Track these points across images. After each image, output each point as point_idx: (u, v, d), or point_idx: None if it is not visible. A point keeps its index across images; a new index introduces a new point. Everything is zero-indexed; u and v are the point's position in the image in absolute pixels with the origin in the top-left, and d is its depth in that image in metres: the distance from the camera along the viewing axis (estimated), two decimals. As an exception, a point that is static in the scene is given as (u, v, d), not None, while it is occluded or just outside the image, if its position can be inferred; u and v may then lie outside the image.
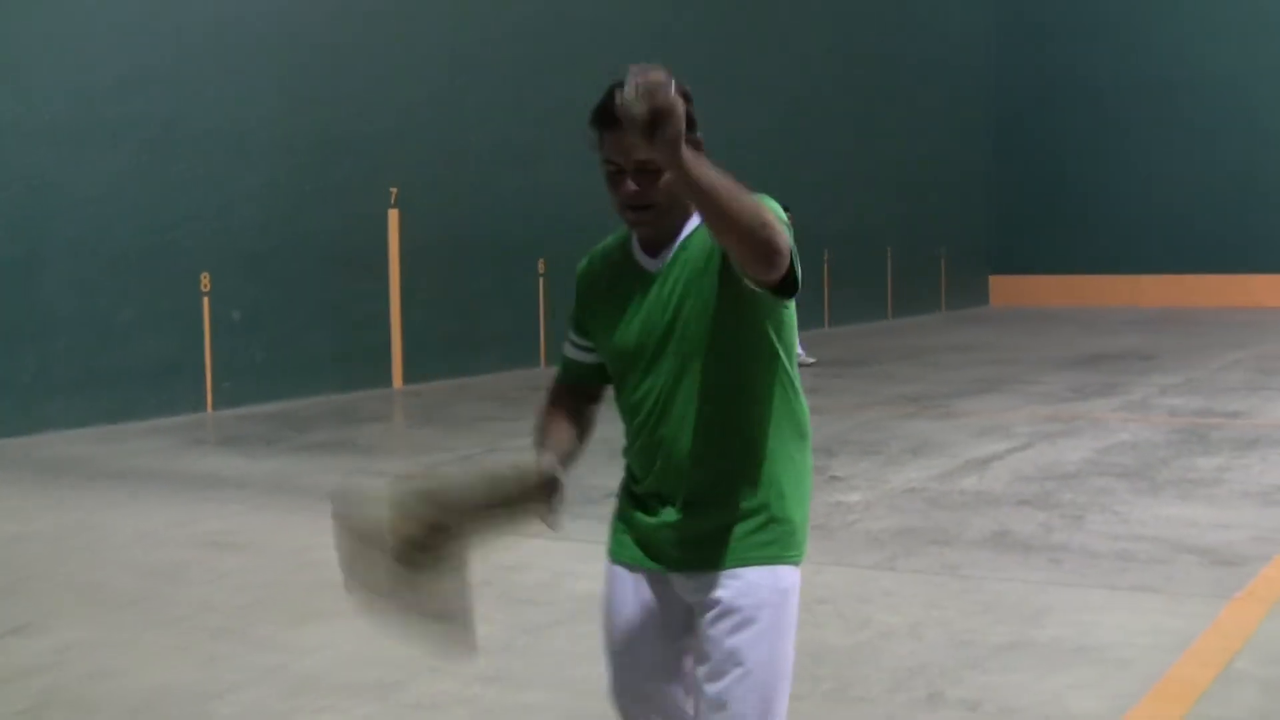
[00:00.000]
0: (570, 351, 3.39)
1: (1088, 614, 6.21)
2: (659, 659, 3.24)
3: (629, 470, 3.30)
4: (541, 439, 3.27)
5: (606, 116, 3.01)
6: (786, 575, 3.11)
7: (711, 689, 3.07)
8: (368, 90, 16.27)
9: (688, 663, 3.23)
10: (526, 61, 18.47)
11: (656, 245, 3.16)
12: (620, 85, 2.67)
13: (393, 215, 16.57)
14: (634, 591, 3.26)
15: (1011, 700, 5.10)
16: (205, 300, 14.38)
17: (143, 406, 13.67)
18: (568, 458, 3.23)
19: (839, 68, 26.03)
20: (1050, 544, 7.64)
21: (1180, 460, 10.32)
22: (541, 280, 18.70)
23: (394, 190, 16.54)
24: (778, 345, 3.11)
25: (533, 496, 3.04)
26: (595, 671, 5.48)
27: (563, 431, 3.29)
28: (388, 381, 16.51)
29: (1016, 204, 32.79)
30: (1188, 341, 21.24)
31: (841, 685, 5.21)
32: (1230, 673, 5.33)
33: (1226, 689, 5.16)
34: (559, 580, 7.04)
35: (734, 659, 3.05)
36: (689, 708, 3.24)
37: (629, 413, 3.22)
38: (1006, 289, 32.87)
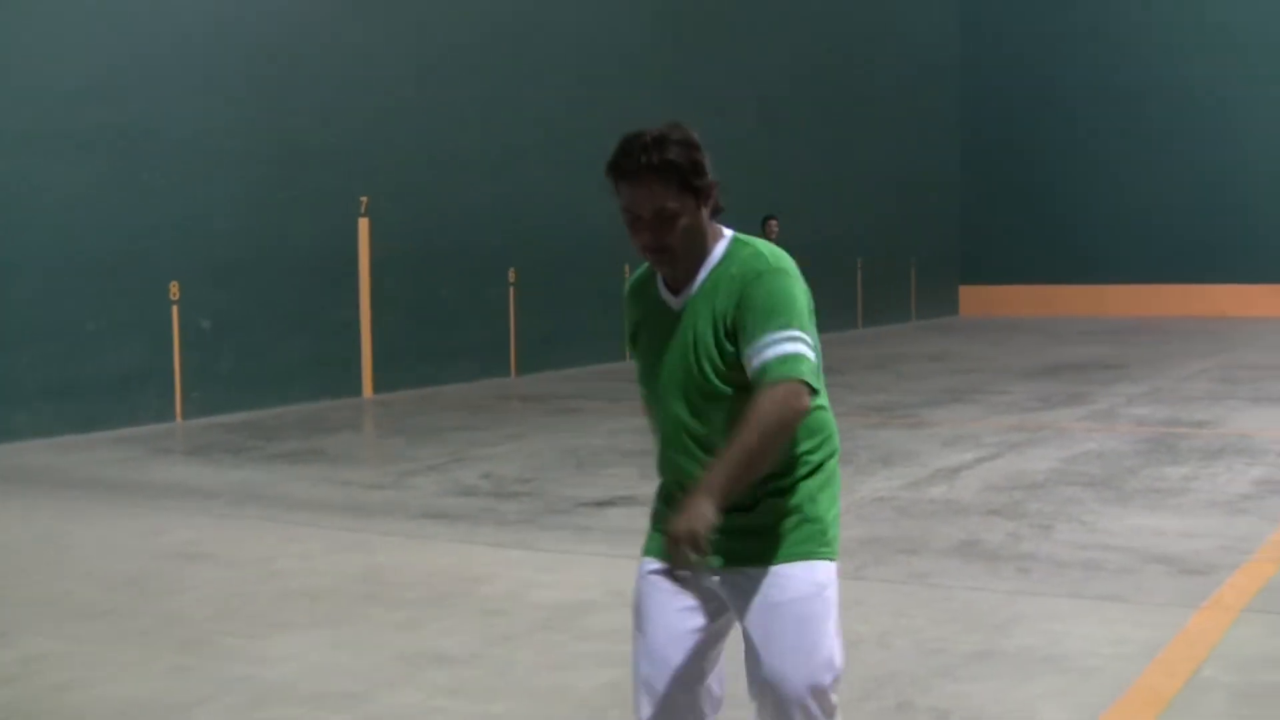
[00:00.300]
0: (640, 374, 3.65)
1: (1056, 623, 6.23)
2: (681, 634, 3.45)
3: (661, 478, 3.59)
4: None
5: (622, 168, 3.32)
6: (822, 569, 3.40)
7: (759, 674, 3.36)
8: (337, 99, 16.24)
9: (712, 654, 3.50)
10: (497, 71, 18.46)
11: (678, 283, 3.45)
12: (633, 136, 3.28)
13: (363, 224, 16.54)
14: (665, 579, 3.46)
15: (980, 709, 5.11)
16: (174, 309, 14.33)
17: (111, 416, 13.61)
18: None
19: (807, 78, 26.07)
20: (1018, 553, 7.66)
21: (1147, 470, 10.35)
22: (512, 289, 18.69)
23: (364, 199, 16.52)
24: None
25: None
26: (562, 681, 5.49)
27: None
28: (357, 391, 16.47)
29: (985, 214, 32.88)
30: (1154, 351, 21.33)
31: None
32: (1197, 681, 5.35)
33: (1193, 697, 5.17)
34: (525, 590, 7.02)
35: (777, 647, 3.33)
36: (711, 690, 3.51)
37: (660, 431, 3.52)
38: (976, 299, 32.95)
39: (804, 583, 3.36)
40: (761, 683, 3.37)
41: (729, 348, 3.35)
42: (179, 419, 14.28)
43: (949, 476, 10.19)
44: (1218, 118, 30.17)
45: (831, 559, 3.43)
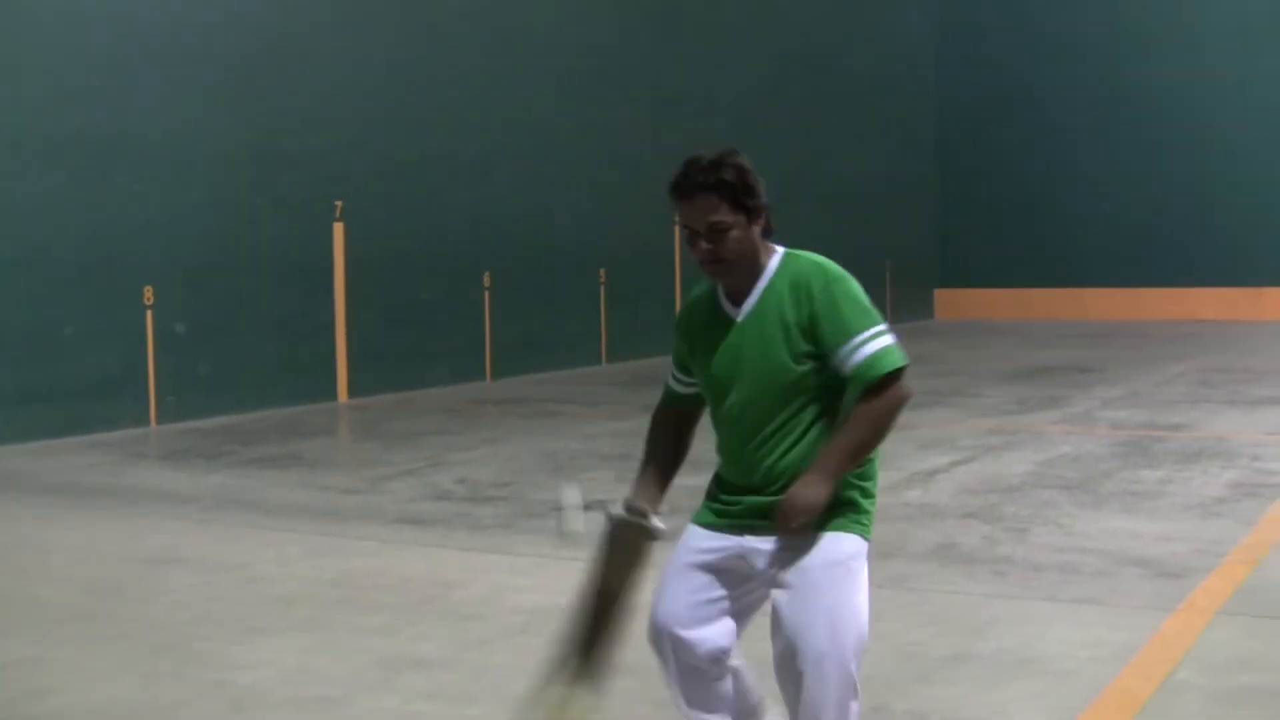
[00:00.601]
0: (673, 385, 4.16)
1: (1032, 626, 6.25)
2: (699, 587, 3.93)
3: (719, 469, 4.04)
4: (646, 461, 4.13)
5: (681, 188, 3.82)
6: (851, 541, 3.84)
7: (783, 634, 3.77)
8: (313, 103, 16.21)
9: (731, 617, 3.94)
10: (473, 75, 18.45)
11: (739, 294, 3.92)
12: (693, 159, 3.79)
13: (338, 229, 16.51)
14: (705, 540, 3.95)
15: (956, 712, 5.12)
16: (149, 314, 14.29)
17: (86, 421, 13.57)
18: (669, 471, 4.13)
19: (783, 82, 26.09)
20: (995, 556, 7.68)
21: (1123, 473, 10.39)
22: (488, 294, 18.66)
23: (339, 204, 16.49)
24: (821, 384, 3.86)
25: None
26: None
27: (667, 454, 4.13)
28: (333, 395, 16.44)
29: (961, 217, 32.91)
30: (1130, 354, 21.39)
31: None
32: (1172, 684, 5.37)
33: (1168, 700, 5.20)
34: (500, 595, 7.02)
35: (802, 606, 3.74)
36: (722, 653, 3.94)
37: (722, 427, 3.98)
38: (952, 302, 32.99)
39: (832, 550, 3.79)
40: (785, 643, 3.76)
41: (803, 347, 3.79)
42: (154, 424, 14.24)
43: (925, 480, 10.21)
44: (1192, 121, 30.23)
45: (864, 536, 3.87)
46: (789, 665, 3.77)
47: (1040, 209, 31.85)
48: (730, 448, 3.95)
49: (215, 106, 15.02)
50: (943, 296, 33.18)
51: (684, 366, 4.10)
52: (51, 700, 5.49)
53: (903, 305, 30.39)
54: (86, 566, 7.96)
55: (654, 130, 21.70)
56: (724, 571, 3.91)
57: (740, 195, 3.81)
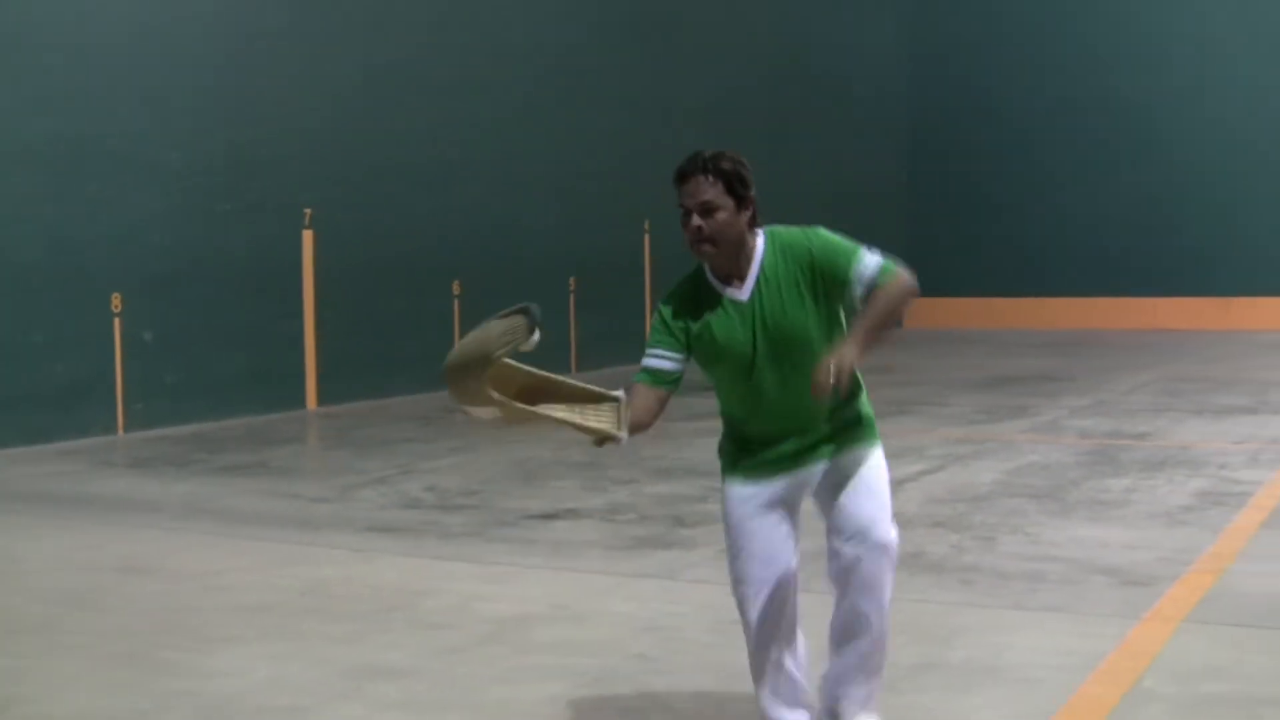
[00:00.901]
0: (662, 365, 4.53)
1: (999, 634, 6.27)
2: (773, 526, 4.64)
3: (744, 432, 4.64)
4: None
5: (682, 172, 4.45)
6: (879, 451, 4.75)
7: (853, 524, 4.62)
8: (281, 111, 16.19)
9: (792, 540, 4.69)
10: (443, 83, 18.45)
11: (730, 275, 4.51)
12: (696, 152, 4.45)
13: (307, 236, 16.49)
14: (759, 490, 4.60)
15: (923, 721, 5.15)
16: (116, 322, 14.24)
17: (53, 429, 13.52)
18: (640, 422, 4.43)
19: (753, 91, 26.13)
20: (962, 565, 7.71)
21: (1090, 481, 10.43)
22: (456, 302, 18.65)
23: (308, 211, 16.46)
24: (844, 319, 4.59)
25: (604, 411, 4.30)
26: (508, 694, 5.50)
27: (640, 414, 4.43)
28: (301, 403, 16.41)
29: (928, 226, 32.97)
30: (1097, 364, 21.47)
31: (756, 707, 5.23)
32: (1138, 691, 5.40)
33: (1134, 708, 5.22)
34: (468, 604, 7.02)
35: (864, 487, 4.64)
36: (794, 568, 4.71)
37: (749, 395, 4.56)
38: (920, 311, 32.97)
39: (875, 456, 4.71)
40: (855, 530, 4.60)
41: (819, 290, 4.48)
42: (121, 432, 14.19)
43: (893, 488, 10.21)
44: (1160, 133, 30.37)
45: (881, 443, 4.77)
46: (854, 548, 4.59)
47: (1009, 219, 31.95)
48: (764, 407, 4.55)
49: (184, 113, 14.99)
50: (911, 305, 33.25)
51: (677, 345, 4.53)
52: (19, 710, 5.46)
53: (871, 314, 30.34)
54: (54, 575, 7.93)
55: (624, 138, 21.73)
56: (783, 503, 4.63)
57: (733, 183, 4.42)
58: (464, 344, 4.18)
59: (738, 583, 4.65)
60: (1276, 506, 9.33)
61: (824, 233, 4.58)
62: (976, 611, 6.72)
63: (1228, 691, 5.39)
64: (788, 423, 4.56)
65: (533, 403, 4.27)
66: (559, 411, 4.26)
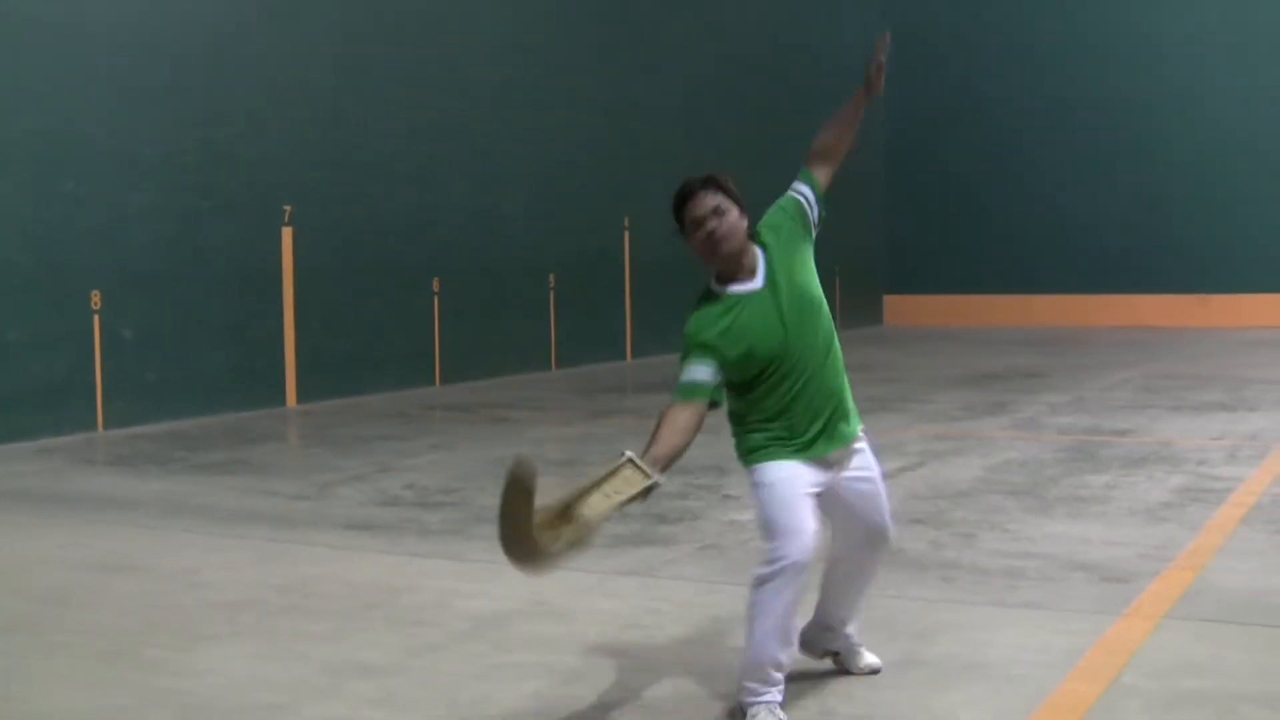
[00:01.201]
0: (689, 376, 4.89)
1: (979, 631, 6.28)
2: (812, 498, 4.97)
3: (778, 421, 4.96)
4: (653, 439, 4.75)
5: (684, 194, 4.97)
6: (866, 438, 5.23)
7: (875, 524, 5.22)
8: (260, 108, 16.16)
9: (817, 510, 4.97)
10: (422, 79, 18.43)
11: (738, 276, 4.97)
12: (691, 178, 4.97)
13: (286, 233, 16.46)
14: (808, 473, 4.96)
15: (903, 717, 5.15)
16: (96, 319, 14.21)
17: (32, 426, 13.48)
18: (673, 456, 4.73)
19: (731, 87, 26.15)
20: (942, 562, 7.72)
21: (1069, 478, 10.45)
22: (436, 299, 18.64)
23: (288, 209, 16.44)
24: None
25: (628, 477, 4.57)
26: (487, 691, 5.49)
27: (675, 435, 4.76)
28: (281, 401, 16.38)
29: (910, 224, 33.07)
30: (1077, 361, 21.52)
31: (734, 701, 5.23)
32: (1117, 688, 5.41)
33: (1113, 704, 5.23)
34: (448, 601, 7.01)
35: (880, 501, 5.22)
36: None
37: (777, 386, 4.93)
38: (901, 308, 33.16)
39: (873, 458, 5.24)
40: (872, 522, 5.19)
41: (813, 261, 5.17)
42: (101, 429, 14.16)
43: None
44: (1139, 130, 30.48)
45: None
46: (870, 538, 5.23)
47: (989, 216, 32.05)
48: (800, 388, 4.94)
49: (162, 110, 14.96)
50: (891, 302, 33.33)
51: (709, 355, 4.88)
52: (2, 708, 5.46)
53: (851, 311, 30.49)
54: (33, 573, 7.91)
55: (603, 136, 21.74)
56: (814, 482, 4.98)
57: (731, 191, 4.99)
58: (501, 531, 4.52)
59: (789, 532, 4.83)
60: (1255, 503, 9.36)
61: (773, 210, 5.19)
62: (956, 608, 6.73)
63: (1207, 687, 5.40)
64: (818, 402, 4.97)
65: (571, 520, 4.51)
66: (599, 509, 4.51)
